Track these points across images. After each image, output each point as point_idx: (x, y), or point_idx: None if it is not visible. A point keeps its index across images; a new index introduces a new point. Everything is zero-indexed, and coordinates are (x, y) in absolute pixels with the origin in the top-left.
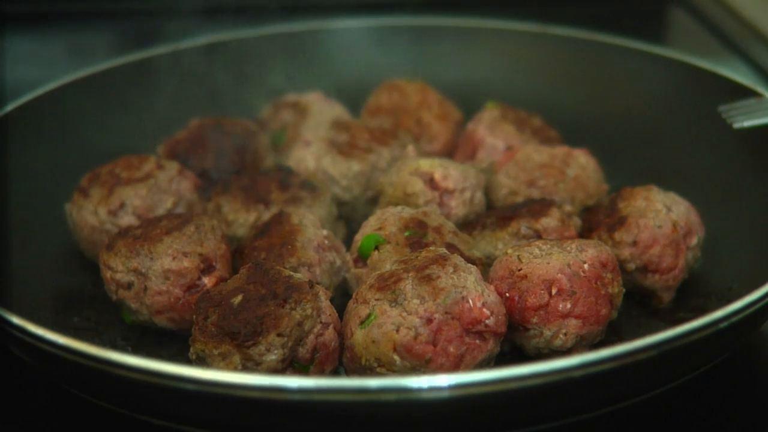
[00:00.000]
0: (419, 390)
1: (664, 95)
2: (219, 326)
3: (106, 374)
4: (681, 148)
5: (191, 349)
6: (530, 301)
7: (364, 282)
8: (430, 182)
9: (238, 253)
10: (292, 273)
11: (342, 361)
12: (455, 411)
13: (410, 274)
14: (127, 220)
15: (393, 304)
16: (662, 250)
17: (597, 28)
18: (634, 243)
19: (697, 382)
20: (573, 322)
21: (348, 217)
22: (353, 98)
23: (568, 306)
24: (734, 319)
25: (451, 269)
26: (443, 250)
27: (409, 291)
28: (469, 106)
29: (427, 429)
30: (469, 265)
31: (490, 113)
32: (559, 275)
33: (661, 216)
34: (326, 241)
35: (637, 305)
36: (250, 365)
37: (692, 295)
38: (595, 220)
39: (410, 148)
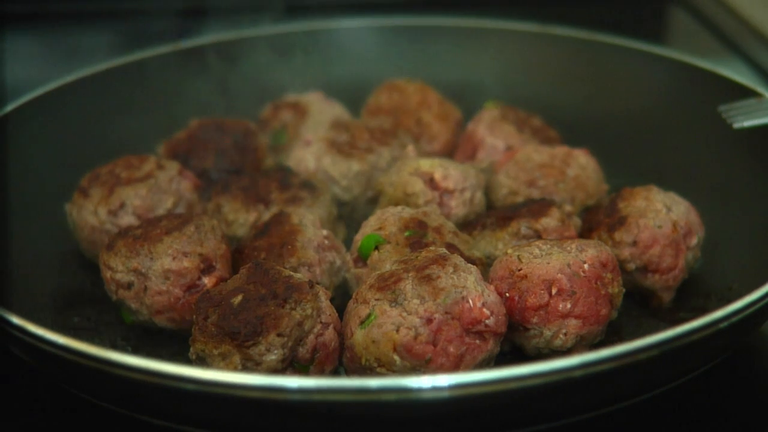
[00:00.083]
0: (419, 390)
1: (664, 95)
2: (219, 326)
3: (106, 374)
4: (681, 148)
5: (191, 349)
6: (530, 301)
7: (364, 282)
8: (430, 182)
9: (238, 253)
10: (292, 273)
11: (342, 361)
12: (455, 411)
13: (410, 274)
14: (127, 220)
15: (393, 304)
16: (662, 250)
17: (597, 28)
18: (634, 243)
19: (697, 382)
20: (573, 322)
21: (348, 217)
22: (353, 98)
23: (568, 306)
24: (734, 319)
25: (451, 269)
26: (443, 250)
27: (409, 291)
28: (469, 106)
29: (427, 429)
30: (469, 265)
31: (490, 113)
32: (559, 275)
33: (661, 216)
34: (326, 241)
35: (637, 305)
36: (250, 365)
37: (692, 295)
38: (595, 220)
39: (410, 148)
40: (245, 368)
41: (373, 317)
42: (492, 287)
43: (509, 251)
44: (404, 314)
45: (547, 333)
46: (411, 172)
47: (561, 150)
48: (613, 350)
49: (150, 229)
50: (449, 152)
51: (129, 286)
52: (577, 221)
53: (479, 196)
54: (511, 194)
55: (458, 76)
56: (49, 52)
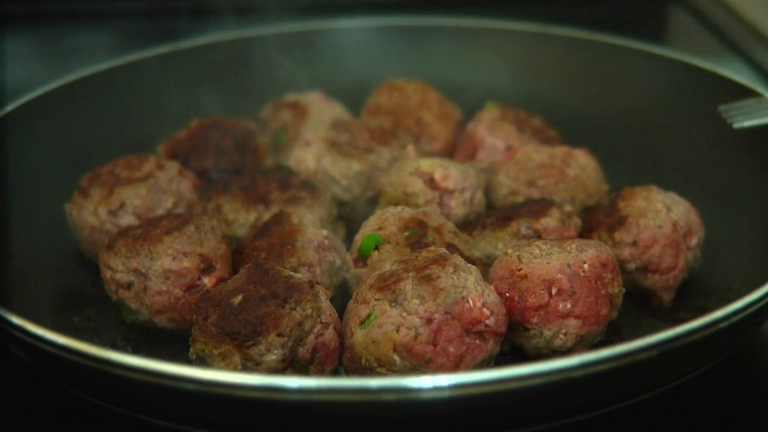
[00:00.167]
0: (419, 390)
1: (664, 95)
2: (219, 326)
3: (106, 374)
4: (681, 148)
5: (191, 349)
6: (530, 301)
7: (364, 282)
8: (430, 182)
9: (238, 253)
10: (292, 273)
11: (342, 361)
12: (455, 411)
13: (410, 274)
14: (127, 220)
15: (393, 304)
16: (662, 250)
17: (597, 28)
18: (634, 243)
19: (697, 382)
20: (573, 322)
21: (348, 217)
22: (353, 98)
23: (568, 306)
24: (734, 319)
25: (451, 269)
26: (443, 250)
27: (409, 291)
28: (469, 106)
29: (427, 429)
30: (469, 265)
31: (490, 113)
32: (559, 275)
33: (661, 216)
34: (326, 241)
35: (637, 305)
36: (250, 365)
37: (692, 295)
38: (595, 220)
39: (410, 148)
40: (245, 368)
41: (373, 317)
42: (492, 287)
43: (509, 251)
44: (404, 314)
45: (547, 333)
46: (411, 172)
47: (561, 150)
48: (613, 350)
49: (150, 229)
50: (449, 152)
51: (129, 286)
52: (577, 221)
53: (479, 196)
54: (511, 194)
55: (458, 76)
56: (49, 52)
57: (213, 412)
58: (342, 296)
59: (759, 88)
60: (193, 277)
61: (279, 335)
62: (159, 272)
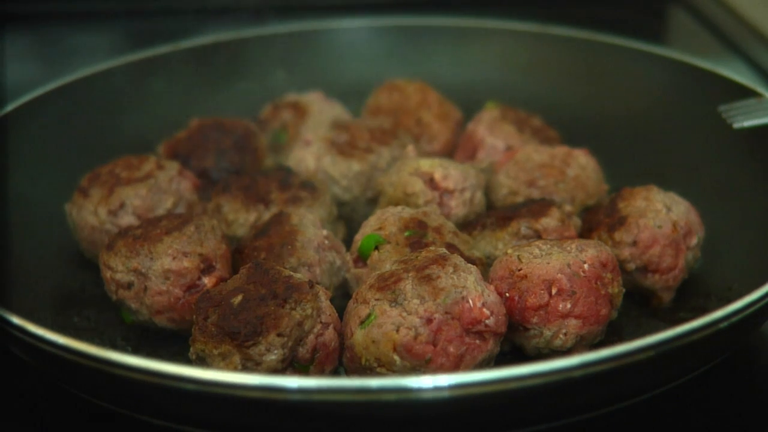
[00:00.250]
0: (419, 390)
1: (664, 95)
2: (219, 326)
3: (106, 374)
4: (681, 148)
5: (191, 349)
6: (530, 301)
7: (364, 282)
8: (430, 182)
9: (238, 253)
10: (292, 273)
11: (342, 361)
12: (455, 411)
13: (410, 274)
14: (127, 220)
15: (393, 304)
16: (662, 250)
17: (597, 28)
18: (634, 243)
19: (697, 382)
20: (573, 322)
21: (348, 217)
22: (353, 98)
23: (568, 306)
24: (734, 319)
25: (451, 269)
26: (443, 250)
27: (409, 291)
28: (469, 106)
29: (427, 429)
30: (469, 265)
31: (490, 113)
32: (559, 275)
33: (661, 216)
34: (326, 241)
35: (637, 305)
36: (250, 365)
37: (692, 295)
38: (595, 220)
39: (410, 148)
40: (245, 368)
41: (373, 317)
42: (492, 287)
43: (509, 251)
44: (404, 314)
45: (547, 333)
46: (411, 172)
47: (561, 150)
48: (613, 350)
49: (150, 229)
50: (449, 152)
51: (129, 286)
52: (577, 221)
53: (479, 196)
54: (511, 194)
55: (458, 76)
56: (49, 52)
57: (213, 412)
58: (342, 296)
59: (759, 88)
60: (193, 277)
61: (279, 335)
62: (159, 272)
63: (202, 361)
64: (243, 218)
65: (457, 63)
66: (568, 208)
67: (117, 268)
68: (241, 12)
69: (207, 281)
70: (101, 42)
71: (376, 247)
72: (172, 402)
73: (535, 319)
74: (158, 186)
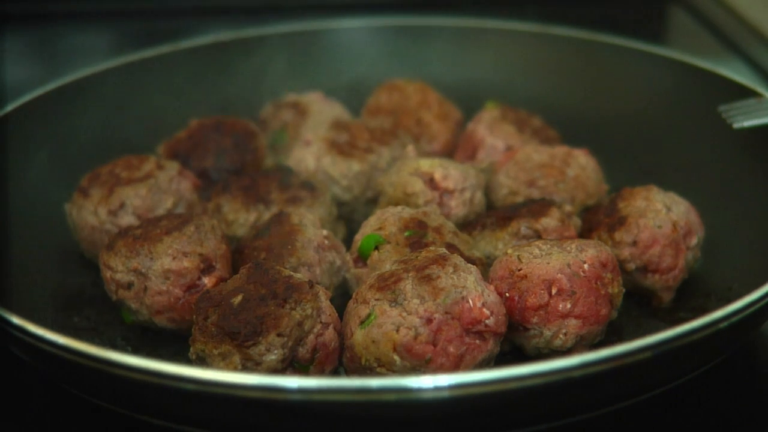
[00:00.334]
0: (419, 390)
1: (664, 95)
2: (219, 326)
3: (106, 374)
4: (681, 148)
5: (191, 349)
6: (530, 301)
7: (364, 282)
8: (430, 182)
9: (238, 253)
10: (292, 273)
11: (342, 361)
12: (455, 411)
13: (410, 274)
14: (127, 220)
15: (393, 304)
16: (662, 250)
17: (597, 28)
18: (634, 243)
19: (697, 382)
20: (573, 322)
21: (348, 217)
22: (353, 98)
23: (568, 306)
24: (734, 319)
25: (451, 269)
26: (443, 250)
27: (409, 291)
28: (469, 106)
29: (427, 429)
30: (469, 265)
31: (490, 113)
32: (559, 275)
33: (661, 216)
34: (326, 241)
35: (637, 305)
36: (250, 365)
37: (692, 295)
38: (595, 220)
39: (410, 148)
40: (245, 368)
41: (373, 317)
42: (492, 287)
43: (509, 251)
44: (404, 314)
45: (547, 333)
46: (411, 172)
47: (561, 150)
48: (613, 350)
49: (150, 229)
50: (449, 152)
51: (129, 286)
52: (577, 221)
53: (479, 196)
54: (511, 194)
55: (458, 76)
56: (49, 52)
57: (213, 412)
58: (342, 296)
59: (759, 88)
60: (193, 277)
61: (279, 335)
62: (159, 272)
63: (202, 361)
64: (243, 218)
65: (457, 63)
66: (568, 208)
67: (117, 268)
68: (241, 12)
69: (207, 281)
70: (101, 42)
71: (376, 247)
72: (172, 402)
73: (535, 319)
74: (158, 186)
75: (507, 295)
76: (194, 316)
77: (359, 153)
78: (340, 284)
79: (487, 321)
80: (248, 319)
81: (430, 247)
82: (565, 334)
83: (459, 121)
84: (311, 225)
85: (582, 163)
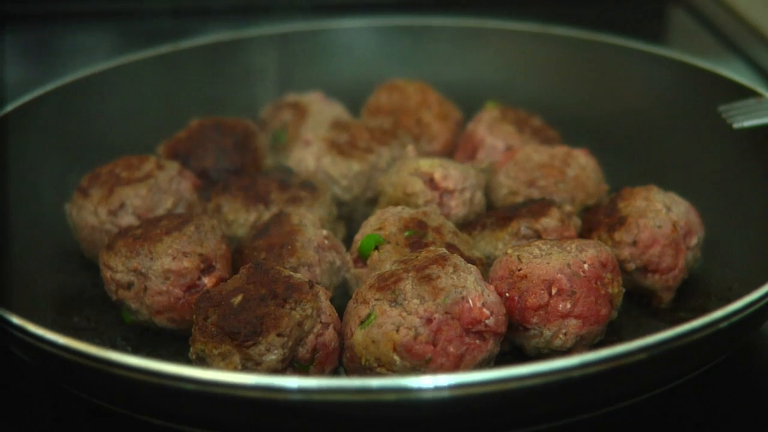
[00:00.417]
0: (419, 390)
1: (664, 95)
2: (219, 326)
3: (106, 374)
4: (681, 148)
5: (191, 349)
6: (530, 301)
7: (364, 282)
8: (430, 182)
9: (238, 253)
10: (292, 273)
11: (342, 361)
12: (455, 411)
13: (410, 274)
14: (127, 220)
15: (393, 304)
16: (662, 250)
17: (597, 28)
18: (634, 243)
19: (697, 382)
20: (573, 322)
21: (348, 217)
22: (353, 98)
23: (568, 306)
24: (734, 319)
25: (451, 269)
26: (443, 250)
27: (409, 291)
28: (469, 106)
29: (427, 429)
30: (469, 265)
31: (490, 113)
32: (559, 275)
33: (661, 216)
34: (326, 241)
35: (637, 305)
36: (250, 365)
37: (692, 295)
38: (595, 220)
39: (410, 148)
40: (245, 368)
41: (373, 317)
42: (492, 287)
43: (509, 251)
44: (404, 314)
45: (547, 333)
46: (411, 172)
47: (561, 150)
48: (613, 350)
49: (150, 229)
50: (449, 152)
51: (129, 286)
52: (577, 221)
53: (479, 196)
54: (511, 194)
55: (458, 76)
56: (48, 52)
57: (213, 412)
58: (342, 296)
59: (759, 88)
60: (193, 277)
61: (279, 335)
62: (159, 272)
63: (202, 361)
64: (243, 218)
65: (457, 63)
66: (568, 208)
67: (117, 268)
68: (240, 12)
69: (207, 281)
70: (101, 42)
71: (376, 247)
72: (172, 402)
73: (535, 319)
74: (158, 186)
75: (507, 295)
76: (194, 316)
77: (359, 153)
78: (340, 284)
79: (487, 321)
80: (248, 319)
81: (430, 247)
82: (565, 334)
83: (459, 121)
84: (311, 225)
85: (582, 163)
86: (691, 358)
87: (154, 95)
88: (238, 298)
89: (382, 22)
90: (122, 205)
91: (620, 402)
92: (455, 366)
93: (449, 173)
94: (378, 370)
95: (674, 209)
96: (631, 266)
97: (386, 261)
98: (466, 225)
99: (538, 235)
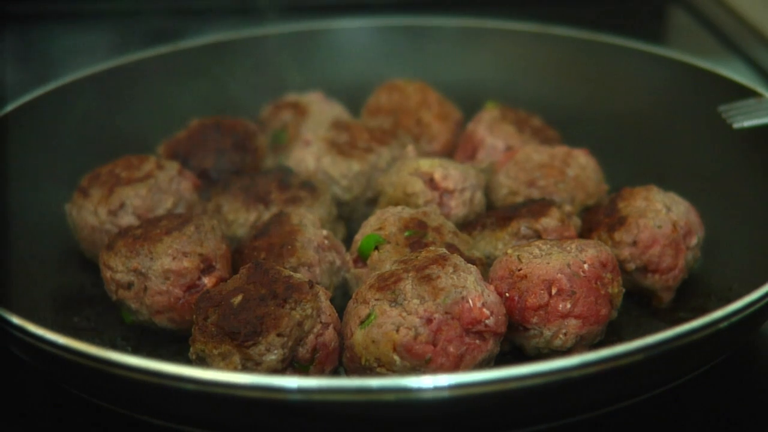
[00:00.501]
0: (419, 390)
1: (664, 95)
2: (219, 326)
3: (106, 374)
4: (681, 148)
5: (191, 349)
6: (530, 301)
7: (364, 282)
8: (430, 182)
9: (238, 253)
10: (292, 273)
11: (342, 361)
12: (455, 411)
13: (410, 274)
14: (127, 220)
15: (393, 304)
16: (662, 250)
17: (597, 28)
18: (634, 243)
19: (697, 382)
20: (573, 322)
21: (348, 217)
22: (353, 98)
23: (568, 306)
24: (734, 319)
25: (451, 269)
26: (443, 250)
27: (409, 291)
28: (469, 106)
29: (427, 429)
30: (469, 265)
31: (490, 113)
32: (559, 275)
33: (661, 216)
34: (326, 241)
35: (637, 305)
36: (250, 365)
37: (692, 295)
38: (595, 220)
39: (410, 148)
40: (245, 368)
41: (373, 317)
42: (492, 287)
43: (509, 251)
44: (404, 314)
45: (547, 333)
46: (411, 172)
47: (561, 150)
48: (613, 350)
49: (150, 229)
50: (449, 152)
51: (129, 286)
52: (577, 221)
53: (479, 196)
54: (511, 194)
55: (458, 76)
56: (48, 53)
57: (213, 412)
58: (342, 296)
59: (759, 88)
60: (193, 277)
61: (279, 335)
62: (159, 272)
63: (202, 361)
64: (243, 218)
65: (457, 63)
66: (568, 208)
67: (117, 268)
68: (240, 12)
69: (207, 281)
70: (101, 42)
71: (376, 247)
72: (172, 402)
73: (535, 319)
74: (158, 186)
75: (507, 295)
76: (194, 316)
77: (359, 153)
78: (340, 284)
79: (487, 321)
80: (248, 319)
81: (430, 247)
82: (565, 334)
83: (459, 121)
84: (311, 225)
85: (582, 163)
86: (691, 358)
87: (154, 95)
88: (238, 298)
89: (382, 22)
90: (122, 205)
91: (620, 402)
92: (455, 366)
93: (449, 173)
94: (378, 370)
95: (674, 209)
96: (631, 266)
97: (386, 261)
98: (466, 225)
99: (538, 235)
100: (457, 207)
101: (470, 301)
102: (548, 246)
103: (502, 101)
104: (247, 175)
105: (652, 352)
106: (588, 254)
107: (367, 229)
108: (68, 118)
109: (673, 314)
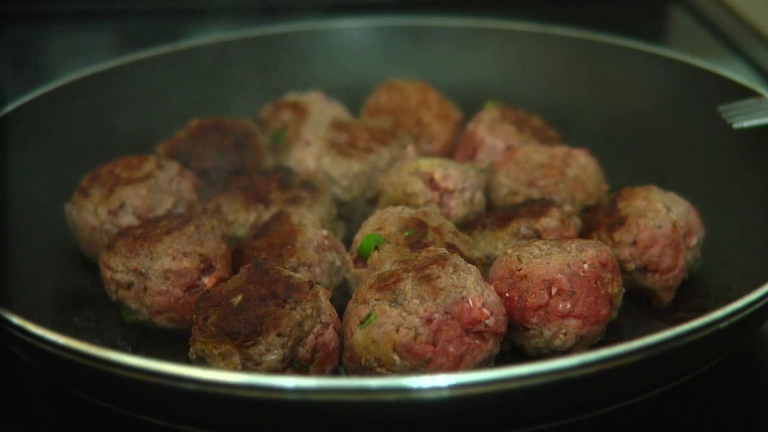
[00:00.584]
0: (419, 390)
1: (664, 95)
2: (219, 326)
3: (106, 374)
4: (681, 148)
5: (191, 349)
6: (530, 301)
7: (364, 282)
8: (430, 182)
9: (238, 253)
10: (292, 273)
11: (342, 361)
12: (455, 411)
13: (410, 274)
14: (127, 220)
15: (393, 304)
16: (662, 250)
17: (597, 28)
18: (634, 243)
19: (697, 382)
20: (573, 322)
21: (348, 217)
22: (353, 98)
23: (568, 306)
24: (734, 319)
25: (451, 269)
26: (443, 250)
27: (409, 291)
28: (469, 106)
29: (427, 429)
30: (469, 265)
31: (490, 113)
32: (559, 275)
33: (660, 216)
34: (326, 241)
35: (637, 305)
36: (250, 365)
37: (692, 295)
38: (595, 220)
39: (410, 148)
40: (245, 368)
41: (373, 317)
42: (492, 287)
43: (509, 251)
44: (404, 314)
45: (547, 333)
46: (411, 172)
47: (561, 150)
48: (613, 350)
49: (150, 229)
50: (449, 152)
51: (129, 286)
52: (577, 221)
53: (479, 196)
54: (511, 194)
55: (458, 76)
56: (48, 53)
57: (213, 412)
58: (342, 296)
59: (759, 88)
60: (193, 277)
61: (279, 335)
62: (159, 272)
63: (202, 361)
64: (243, 218)
65: (457, 63)
66: (568, 208)
67: (117, 268)
68: (240, 12)
69: (207, 281)
70: (100, 42)
71: (376, 247)
72: (172, 402)
73: (535, 319)
74: (158, 186)
75: (507, 295)
76: (194, 316)
77: (359, 153)
78: (340, 284)
79: (487, 321)
80: (248, 319)
81: (430, 247)
82: (565, 334)
83: (459, 121)
84: (311, 225)
85: (582, 163)
86: (691, 358)
87: (154, 95)
88: (238, 298)
89: (382, 22)
90: (122, 205)
91: (620, 402)
92: (455, 366)
93: (449, 173)
94: (378, 370)
95: (674, 209)
96: (631, 266)
97: (386, 261)
98: (466, 225)
99: (538, 235)
100: (457, 207)
101: (470, 301)
102: (548, 246)
103: (502, 101)
104: (247, 175)
105: (652, 352)
106: (588, 254)
107: (367, 229)
108: (68, 118)
109: (673, 314)
